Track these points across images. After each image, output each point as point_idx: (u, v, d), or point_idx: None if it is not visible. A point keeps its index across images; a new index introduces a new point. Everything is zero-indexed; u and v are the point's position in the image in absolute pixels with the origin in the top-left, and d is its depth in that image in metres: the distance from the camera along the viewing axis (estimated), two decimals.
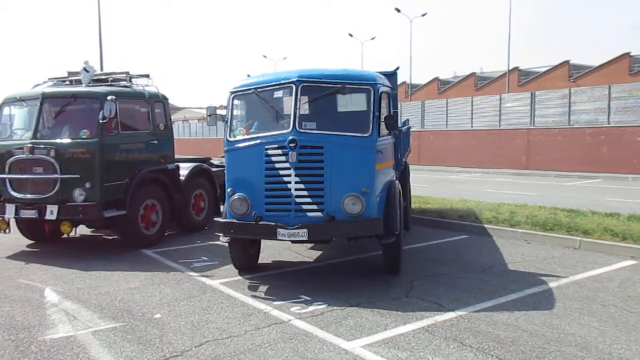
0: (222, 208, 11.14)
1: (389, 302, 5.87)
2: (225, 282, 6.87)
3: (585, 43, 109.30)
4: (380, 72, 7.79)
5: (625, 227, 8.76)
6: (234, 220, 6.51)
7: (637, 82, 23.36)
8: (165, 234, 9.76)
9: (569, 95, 22.39)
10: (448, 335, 4.93)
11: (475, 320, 5.29)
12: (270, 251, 8.43)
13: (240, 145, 6.71)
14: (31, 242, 9.71)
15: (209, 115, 7.65)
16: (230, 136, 6.88)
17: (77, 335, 5.15)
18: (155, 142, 9.49)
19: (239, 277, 7.06)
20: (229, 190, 6.62)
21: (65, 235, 9.47)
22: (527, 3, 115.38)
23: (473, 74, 57.55)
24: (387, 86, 7.43)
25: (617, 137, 20.38)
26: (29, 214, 8.32)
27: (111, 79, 9.60)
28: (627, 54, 43.25)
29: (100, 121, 8.32)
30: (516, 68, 50.78)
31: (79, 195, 8.18)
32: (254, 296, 6.22)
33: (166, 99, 10.04)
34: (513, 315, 5.41)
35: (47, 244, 9.57)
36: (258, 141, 6.55)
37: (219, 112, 7.93)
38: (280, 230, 6.21)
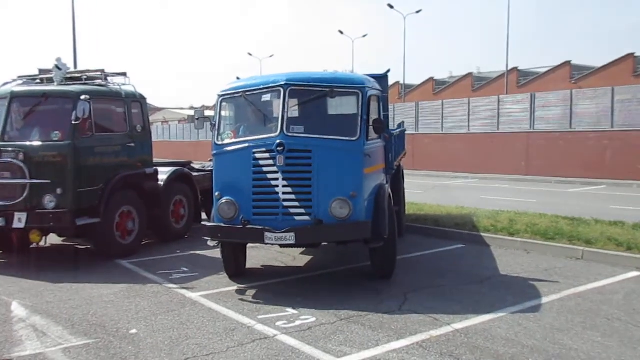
0: (203, 215, 11.27)
1: (381, 316, 5.87)
2: (206, 294, 6.83)
3: (587, 43, 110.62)
4: (370, 75, 8.02)
5: (631, 236, 8.83)
6: (222, 224, 6.73)
7: None
8: (142, 243, 9.69)
9: (570, 98, 22.56)
10: (444, 351, 4.93)
11: (472, 335, 5.30)
12: (255, 261, 8.40)
13: (228, 149, 7.00)
14: None
15: (197, 119, 7.96)
16: (218, 140, 7.17)
17: (47, 352, 5.09)
18: (132, 145, 9.44)
19: (221, 289, 7.03)
20: (216, 194, 6.87)
21: (34, 245, 9.36)
22: (526, 0, 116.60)
23: (470, 74, 57.88)
24: (377, 89, 7.65)
25: (621, 142, 20.54)
26: None
27: (85, 77, 9.53)
28: (631, 55, 43.76)
29: (73, 122, 8.25)
30: (515, 68, 51.16)
31: (49, 201, 8.10)
32: (237, 310, 6.19)
33: (144, 98, 9.99)
34: (512, 330, 5.43)
35: (15, 254, 9.46)
36: (246, 145, 6.82)
37: (205, 113, 8.10)
38: (268, 234, 6.46)
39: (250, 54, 68.50)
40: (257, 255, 8.74)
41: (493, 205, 13.27)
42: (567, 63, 49.13)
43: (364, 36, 65.89)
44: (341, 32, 52.15)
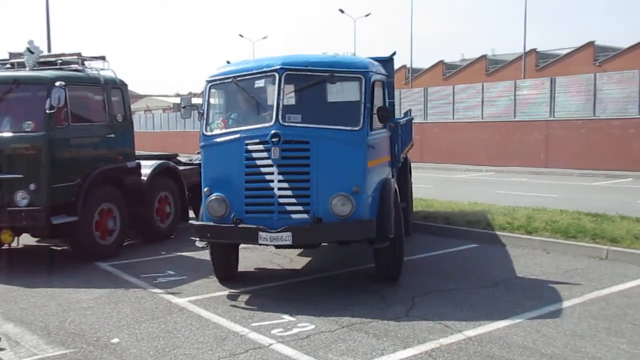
0: (191, 213, 11.29)
1: (387, 323, 5.89)
2: (194, 300, 6.85)
3: (613, 21, 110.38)
4: (374, 58, 8.02)
5: None
6: (211, 223, 6.72)
7: None
8: (124, 244, 9.71)
9: (594, 82, 22.55)
10: None
11: (486, 343, 5.32)
12: (248, 264, 8.43)
13: (218, 140, 6.99)
14: None
15: (184, 107, 7.95)
16: (206, 130, 7.16)
17: None
18: (112, 136, 9.43)
19: (211, 294, 7.06)
20: (205, 189, 6.87)
21: (5, 246, 9.37)
22: None
23: (484, 56, 57.85)
24: (382, 74, 7.66)
25: None
26: None
27: (60, 61, 9.52)
28: None
29: (47, 111, 8.24)
30: (533, 50, 51.15)
31: (21, 198, 8.11)
32: (229, 316, 6.21)
33: (125, 85, 9.99)
34: (530, 337, 5.45)
35: None
36: (237, 135, 6.82)
37: (193, 101, 8.11)
38: (262, 234, 6.45)
39: (241, 36, 68.30)
40: (250, 257, 8.76)
41: (509, 200, 13.29)
42: (591, 44, 49.10)
43: (367, 15, 65.33)
44: (342, 11, 52.06)
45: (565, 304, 6.42)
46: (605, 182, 18.88)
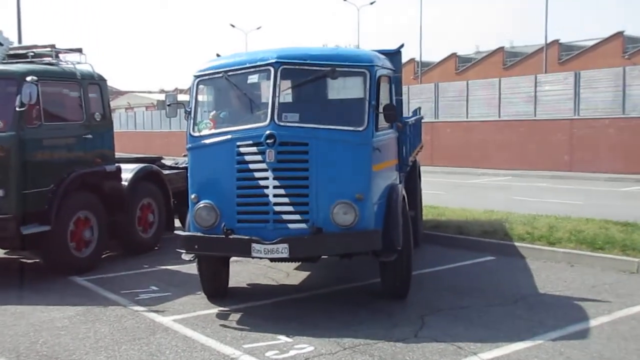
0: (177, 223, 11.28)
1: (394, 345, 5.89)
2: (180, 318, 6.85)
3: None
4: (380, 51, 8.05)
5: None
6: (199, 234, 6.72)
7: None
8: (103, 256, 9.72)
9: (623, 76, 22.60)
10: None
11: None
12: (240, 278, 8.43)
13: (207, 141, 6.99)
14: None
15: (169, 105, 7.94)
16: (194, 130, 7.15)
17: None
18: (90, 136, 9.45)
19: (199, 313, 7.06)
20: (192, 196, 6.85)
21: None
22: None
23: (501, 49, 58.03)
24: (388, 68, 7.70)
25: None
26: None
27: (32, 54, 9.55)
28: None
29: (18, 109, 8.24)
30: (556, 41, 51.30)
31: None
32: (219, 337, 6.21)
33: (104, 80, 10.01)
34: None
35: None
36: (228, 136, 6.81)
37: (179, 98, 8.10)
38: (256, 246, 6.43)
39: (233, 26, 68.15)
40: (242, 271, 8.76)
41: (529, 208, 13.30)
42: (619, 34, 49.26)
43: (372, 3, 65.71)
44: None
45: (592, 322, 6.42)
46: (635, 188, 18.88)
